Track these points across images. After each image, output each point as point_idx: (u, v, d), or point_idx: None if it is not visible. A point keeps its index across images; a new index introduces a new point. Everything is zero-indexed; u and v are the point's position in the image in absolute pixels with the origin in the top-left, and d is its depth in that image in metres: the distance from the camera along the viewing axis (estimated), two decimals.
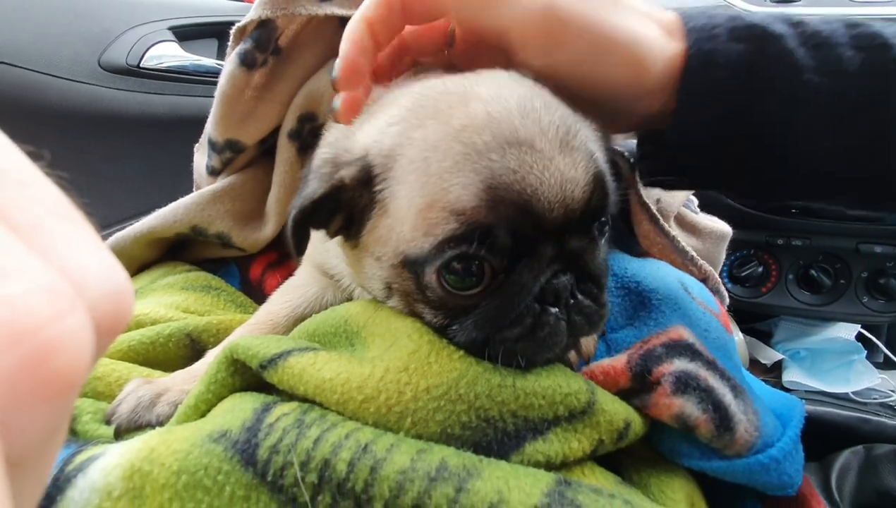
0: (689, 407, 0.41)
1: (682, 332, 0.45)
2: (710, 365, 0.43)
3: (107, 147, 1.03)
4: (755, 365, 1.28)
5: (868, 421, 1.03)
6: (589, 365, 0.45)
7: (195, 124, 1.18)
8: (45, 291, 0.13)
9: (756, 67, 0.41)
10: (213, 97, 1.21)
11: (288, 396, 0.39)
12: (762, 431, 0.41)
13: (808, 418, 1.13)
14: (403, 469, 0.32)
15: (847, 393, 1.12)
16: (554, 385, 0.38)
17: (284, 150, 0.69)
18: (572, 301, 0.39)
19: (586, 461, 0.39)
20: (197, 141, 0.90)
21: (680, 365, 0.42)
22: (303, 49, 0.66)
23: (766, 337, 1.33)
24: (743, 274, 1.16)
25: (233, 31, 0.65)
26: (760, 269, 1.16)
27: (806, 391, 1.17)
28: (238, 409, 0.38)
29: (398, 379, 0.36)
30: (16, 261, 0.13)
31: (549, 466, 0.37)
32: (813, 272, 1.13)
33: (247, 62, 0.64)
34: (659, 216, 0.61)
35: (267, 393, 0.41)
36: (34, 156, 0.16)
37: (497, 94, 0.39)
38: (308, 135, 0.68)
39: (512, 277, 0.38)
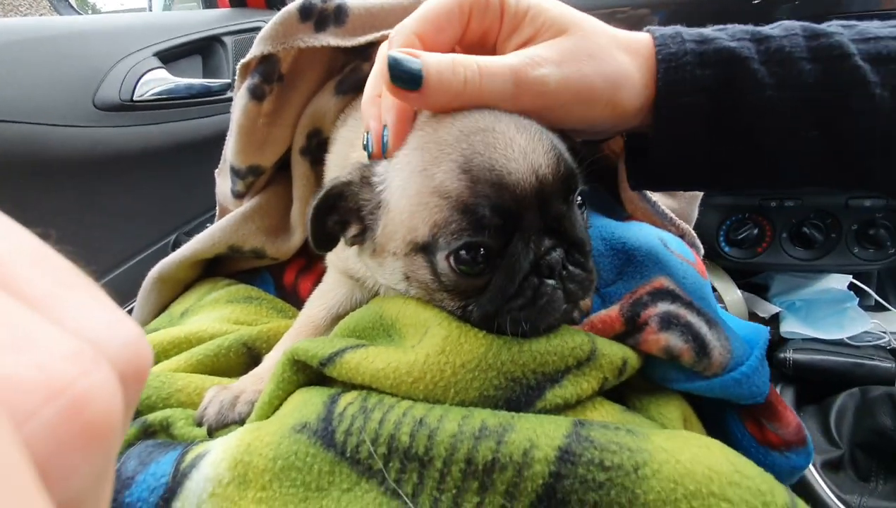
0: (673, 339, 0.48)
1: (664, 281, 0.52)
2: (688, 305, 0.50)
3: (115, 185, 1.04)
4: (754, 319, 1.35)
5: (862, 366, 1.11)
6: (589, 317, 0.52)
7: (194, 147, 1.20)
8: (70, 353, 0.15)
9: (723, 90, 0.45)
10: (207, 116, 1.22)
11: (346, 385, 0.47)
12: (734, 354, 0.49)
13: (806, 365, 1.20)
14: (454, 433, 0.39)
15: (842, 339, 1.19)
16: (562, 342, 0.45)
17: (299, 166, 0.76)
18: (565, 272, 0.45)
19: (595, 396, 0.47)
20: (200, 162, 0.93)
21: (663, 307, 0.50)
22: (303, 74, 0.72)
23: (763, 290, 1.40)
24: (739, 236, 1.21)
25: (238, 66, 0.71)
26: (756, 231, 1.20)
27: (803, 339, 1.24)
28: (310, 403, 0.45)
29: (438, 360, 0.43)
30: (38, 333, 0.15)
31: (566, 406, 0.44)
32: (805, 229, 1.17)
33: (256, 95, 0.69)
34: None
35: (327, 384, 0.48)
36: (43, 236, 0.17)
37: (462, 110, 0.46)
38: (316, 148, 0.75)
39: (508, 250, 0.44)
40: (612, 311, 0.50)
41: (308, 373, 0.50)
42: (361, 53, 0.70)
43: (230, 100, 1.25)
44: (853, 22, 0.47)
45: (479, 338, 0.44)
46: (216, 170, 0.86)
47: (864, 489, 0.94)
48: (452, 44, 0.48)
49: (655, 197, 0.70)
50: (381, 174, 0.47)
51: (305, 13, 0.66)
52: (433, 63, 0.43)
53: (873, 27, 0.46)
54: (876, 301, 1.25)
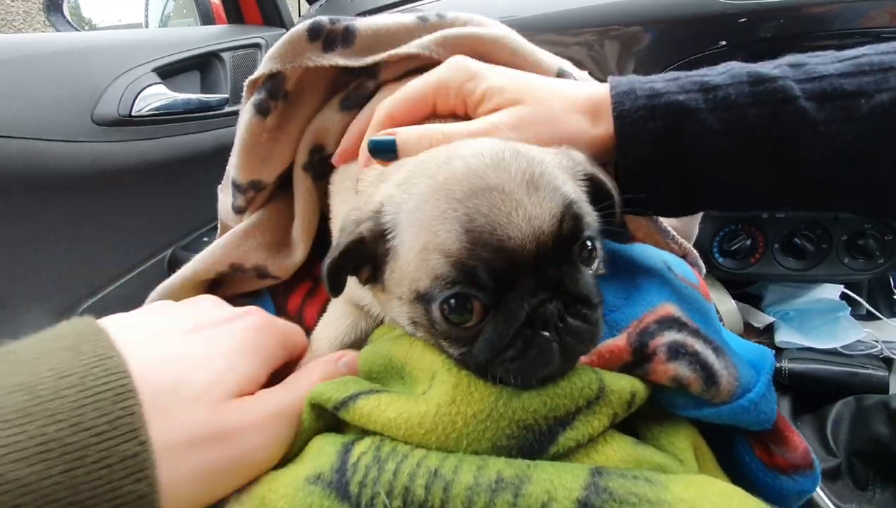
0: (681, 369, 0.47)
1: (670, 309, 0.52)
2: (695, 332, 0.50)
3: (113, 199, 1.04)
4: (749, 329, 1.36)
5: (856, 374, 1.12)
6: (596, 347, 0.51)
7: (192, 161, 1.21)
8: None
9: (675, 138, 0.51)
10: (205, 131, 1.23)
11: (361, 430, 0.46)
12: (741, 381, 0.48)
13: (802, 375, 1.21)
14: (469, 485, 0.39)
15: (835, 348, 1.20)
16: (570, 385, 0.45)
17: (301, 182, 0.75)
18: (562, 324, 0.44)
19: (606, 431, 0.46)
20: (198, 176, 0.92)
21: (670, 336, 0.49)
22: (307, 91, 0.72)
23: (756, 300, 1.41)
24: (732, 247, 1.23)
25: (245, 83, 0.71)
26: (748, 242, 1.22)
27: (798, 349, 1.25)
28: (324, 453, 0.44)
29: (449, 411, 0.43)
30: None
31: (578, 446, 0.44)
32: (797, 240, 1.19)
33: (262, 111, 0.70)
34: None
35: (342, 429, 0.48)
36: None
37: (475, 151, 0.46)
38: (318, 164, 0.74)
39: (500, 307, 0.44)
40: (620, 341, 0.50)
41: (326, 418, 0.49)
42: (367, 70, 0.71)
43: (228, 115, 1.27)
44: (803, 60, 0.51)
45: (488, 387, 0.44)
46: (219, 186, 0.86)
47: (863, 498, 0.95)
48: (424, 120, 0.58)
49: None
50: (391, 221, 0.48)
51: (314, 34, 0.66)
52: (402, 134, 0.54)
53: (821, 65, 0.50)
54: (867, 310, 1.26)
